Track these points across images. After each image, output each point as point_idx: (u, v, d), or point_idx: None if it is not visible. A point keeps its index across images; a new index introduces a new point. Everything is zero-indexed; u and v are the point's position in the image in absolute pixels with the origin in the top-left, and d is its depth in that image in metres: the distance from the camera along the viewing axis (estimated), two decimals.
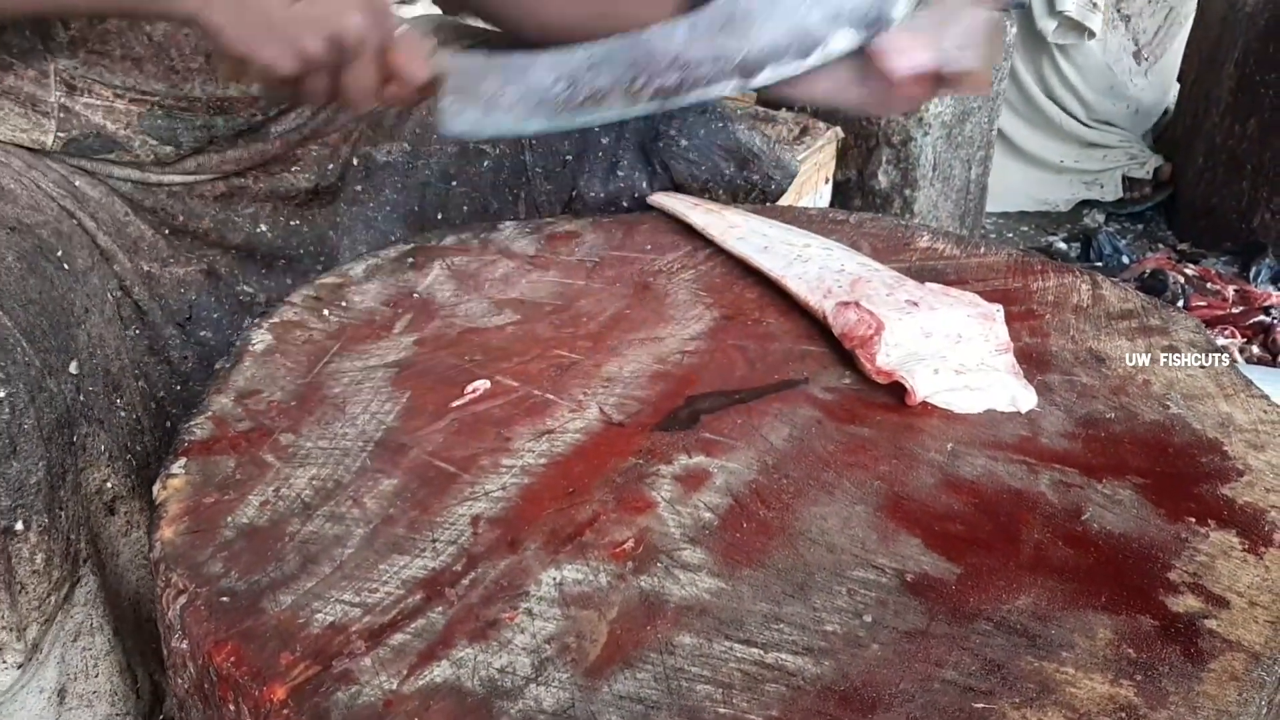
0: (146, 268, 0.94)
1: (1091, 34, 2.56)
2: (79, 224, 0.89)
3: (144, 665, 0.85)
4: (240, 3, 0.71)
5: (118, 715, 0.82)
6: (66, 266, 0.83)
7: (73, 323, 0.80)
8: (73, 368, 0.78)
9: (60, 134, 0.89)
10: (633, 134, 1.03)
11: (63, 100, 0.87)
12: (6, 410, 0.68)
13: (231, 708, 0.52)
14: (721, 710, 0.49)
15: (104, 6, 0.81)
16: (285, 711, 0.49)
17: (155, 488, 0.63)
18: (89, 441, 0.79)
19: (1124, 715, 0.49)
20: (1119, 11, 2.77)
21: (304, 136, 1.02)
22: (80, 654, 0.78)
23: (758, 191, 1.06)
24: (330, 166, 1.04)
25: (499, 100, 0.81)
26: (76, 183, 0.91)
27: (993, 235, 2.69)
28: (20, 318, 0.73)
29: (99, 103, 0.88)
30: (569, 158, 1.05)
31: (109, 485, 0.81)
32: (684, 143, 1.04)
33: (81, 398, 0.78)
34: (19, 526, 0.69)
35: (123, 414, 0.86)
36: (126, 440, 0.85)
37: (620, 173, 1.04)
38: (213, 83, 0.90)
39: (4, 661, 0.71)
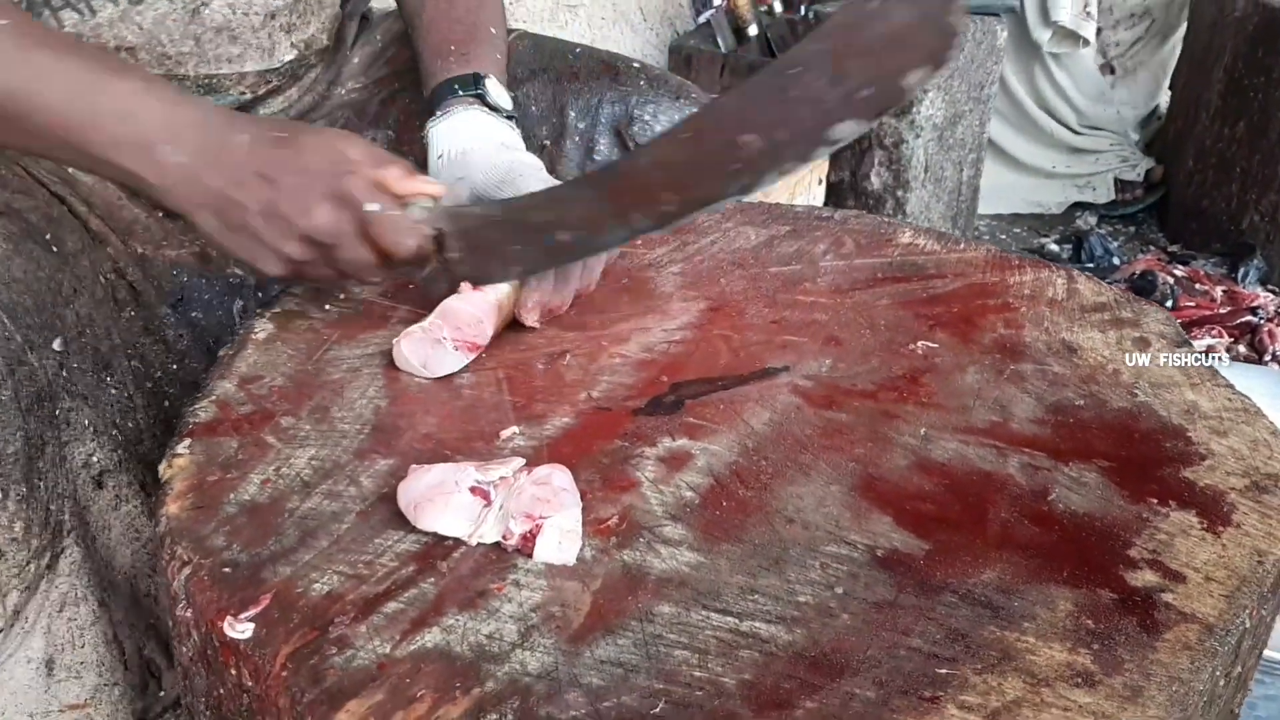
0: (140, 250, 0.97)
1: (1086, 42, 2.59)
2: (69, 209, 0.92)
3: (133, 638, 0.88)
4: (220, 211, 0.74)
5: (105, 685, 0.84)
6: (55, 249, 0.86)
7: (60, 302, 0.83)
8: (56, 344, 0.80)
9: None
10: (607, 119, 1.07)
11: None
12: None
13: (233, 672, 0.54)
14: (697, 673, 0.52)
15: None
16: (284, 674, 0.52)
17: (161, 466, 0.66)
18: (73, 416, 0.81)
19: (1080, 681, 0.52)
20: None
21: (293, 119, 1.05)
22: (66, 624, 0.80)
23: None
24: None
25: (504, 251, 0.78)
26: (69, 169, 0.93)
27: (985, 237, 2.71)
28: (2, 295, 0.76)
29: None
30: (546, 143, 1.08)
31: (95, 459, 0.83)
32: (657, 126, 1.07)
33: (65, 374, 0.80)
34: None
35: (113, 391, 0.87)
36: (115, 417, 0.87)
37: (597, 155, 1.08)
38: (205, 64, 0.92)
39: None
